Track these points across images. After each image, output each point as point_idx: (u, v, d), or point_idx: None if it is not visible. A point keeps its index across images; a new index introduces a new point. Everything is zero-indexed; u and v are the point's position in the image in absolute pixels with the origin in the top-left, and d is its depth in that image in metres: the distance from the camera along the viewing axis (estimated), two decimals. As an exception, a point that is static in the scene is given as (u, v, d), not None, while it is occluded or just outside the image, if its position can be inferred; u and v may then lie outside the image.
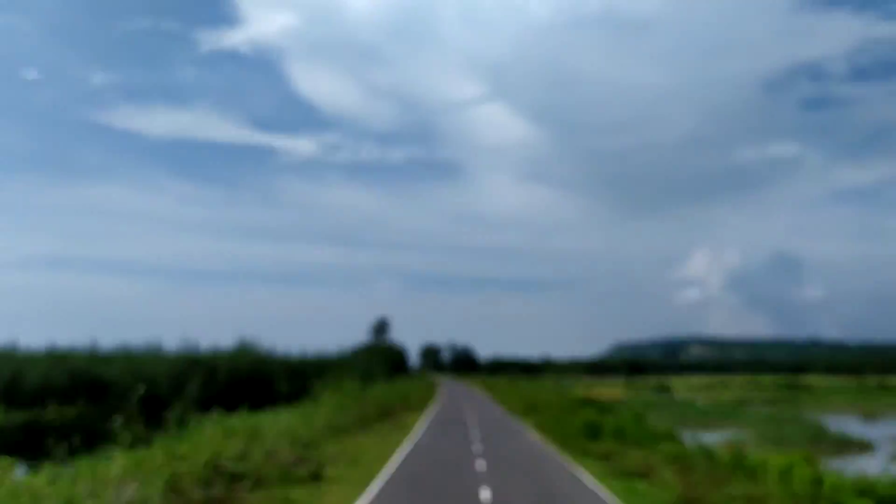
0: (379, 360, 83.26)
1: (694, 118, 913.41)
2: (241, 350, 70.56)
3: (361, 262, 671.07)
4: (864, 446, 40.15)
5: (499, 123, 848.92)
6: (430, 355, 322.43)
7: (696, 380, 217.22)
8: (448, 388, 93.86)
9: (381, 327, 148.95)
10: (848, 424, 54.20)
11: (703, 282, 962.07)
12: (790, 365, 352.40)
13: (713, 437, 30.37)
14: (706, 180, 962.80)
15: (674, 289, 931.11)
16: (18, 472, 12.76)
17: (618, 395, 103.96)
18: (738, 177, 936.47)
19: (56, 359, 59.16)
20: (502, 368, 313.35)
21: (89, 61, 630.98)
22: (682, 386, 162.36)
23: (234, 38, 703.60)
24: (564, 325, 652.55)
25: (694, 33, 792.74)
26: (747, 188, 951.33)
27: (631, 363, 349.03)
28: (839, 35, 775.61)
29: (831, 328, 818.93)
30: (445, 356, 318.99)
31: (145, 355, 65.45)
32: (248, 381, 64.69)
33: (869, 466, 19.49)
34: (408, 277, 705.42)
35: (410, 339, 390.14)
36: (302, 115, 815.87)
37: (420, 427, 34.98)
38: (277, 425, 23.91)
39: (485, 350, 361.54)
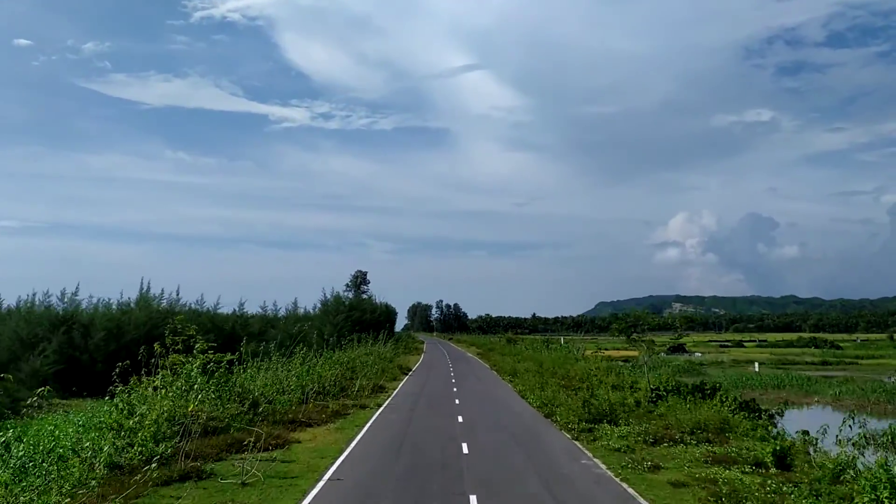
0: (338, 317, 57.88)
1: (673, 85, 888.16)
2: (139, 304, 45.01)
3: (353, 227, 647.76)
4: None
5: (485, 91, 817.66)
6: (420, 314, 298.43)
7: (697, 337, 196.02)
8: (433, 356, 68.36)
9: (359, 281, 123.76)
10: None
11: (682, 243, 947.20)
12: (777, 322, 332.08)
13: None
14: (684, 146, 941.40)
15: (654, 250, 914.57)
16: None
17: (631, 355, 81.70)
18: (716, 142, 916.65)
19: None
20: (492, 327, 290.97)
21: (80, 30, 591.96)
22: (688, 344, 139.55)
23: (226, 7, 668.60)
24: (550, 285, 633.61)
25: (674, 1, 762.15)
26: (724, 153, 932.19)
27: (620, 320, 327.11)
28: (817, 1, 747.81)
29: (807, 286, 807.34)
30: (435, 315, 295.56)
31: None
32: (140, 345, 38.90)
33: None
34: (398, 241, 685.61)
35: (401, 300, 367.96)
36: (293, 84, 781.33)
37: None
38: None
39: (473, 310, 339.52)
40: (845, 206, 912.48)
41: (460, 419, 20.57)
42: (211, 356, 19.18)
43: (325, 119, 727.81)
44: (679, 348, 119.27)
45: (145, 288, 43.84)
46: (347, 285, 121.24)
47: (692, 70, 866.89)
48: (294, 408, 20.50)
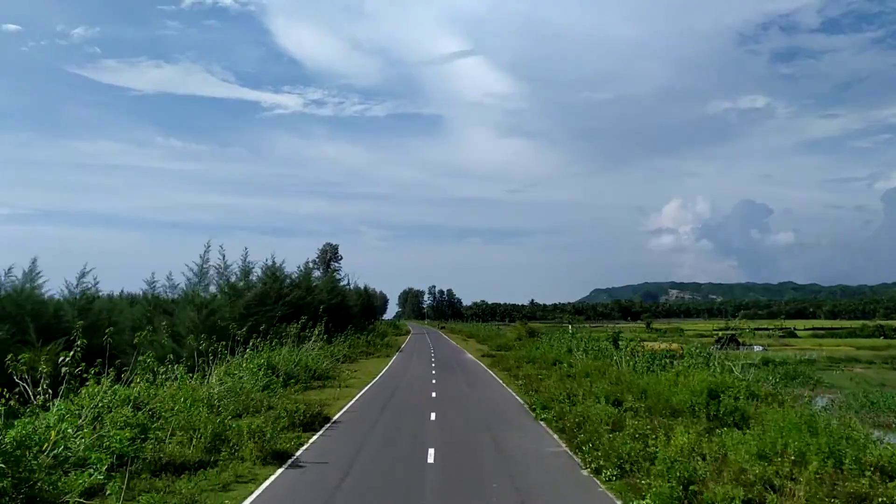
0: (236, 304, 30.02)
1: (668, 72, 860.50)
2: None
3: (347, 213, 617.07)
4: None
5: (479, 78, 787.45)
6: (411, 301, 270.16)
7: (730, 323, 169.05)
8: (408, 365, 39.51)
9: (328, 257, 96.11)
10: None
11: (676, 229, 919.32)
12: (789, 309, 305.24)
13: None
14: (679, 132, 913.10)
15: (648, 236, 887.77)
16: None
17: (672, 347, 54.89)
18: (710, 128, 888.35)
19: None
20: (488, 314, 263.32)
21: (70, 15, 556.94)
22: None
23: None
24: (545, 272, 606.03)
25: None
26: (718, 139, 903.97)
27: (623, 307, 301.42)
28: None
29: (801, 273, 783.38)
30: (427, 302, 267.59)
31: None
32: None
33: None
34: (391, 228, 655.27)
35: (395, 287, 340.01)
36: (286, 71, 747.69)
37: None
38: None
39: (468, 297, 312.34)
40: (839, 193, 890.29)
41: None
42: None
43: (317, 106, 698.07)
44: (731, 340, 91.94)
45: None
46: (315, 262, 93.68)
47: (687, 56, 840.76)
48: None
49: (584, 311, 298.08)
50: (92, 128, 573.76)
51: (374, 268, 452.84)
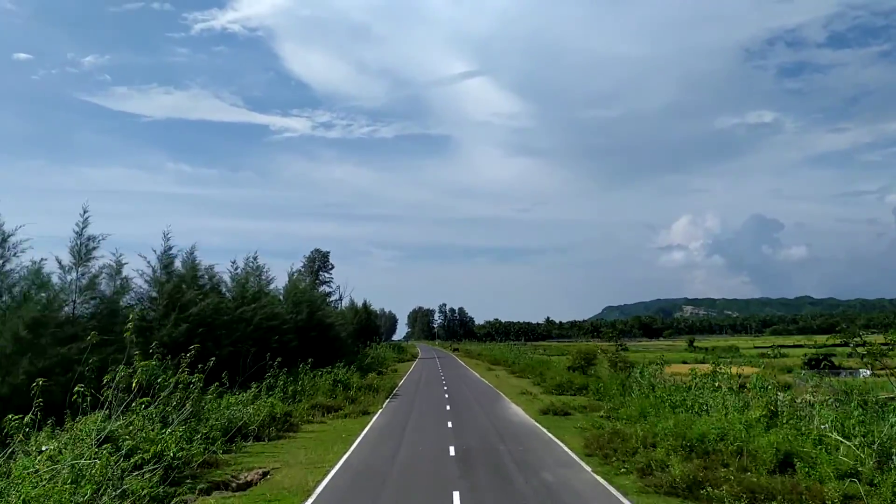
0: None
1: (675, 88, 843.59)
2: None
3: (356, 235, 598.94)
4: None
5: (486, 98, 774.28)
6: (420, 321, 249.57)
7: (775, 340, 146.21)
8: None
9: (316, 265, 76.23)
10: None
11: (688, 246, 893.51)
12: (822, 324, 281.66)
13: None
14: (687, 148, 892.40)
15: (659, 253, 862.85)
16: None
17: (744, 372, 33.57)
18: (718, 144, 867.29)
19: None
20: (502, 334, 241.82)
21: (80, 43, 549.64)
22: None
23: (226, 19, 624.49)
24: (556, 290, 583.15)
25: (674, 3, 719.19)
26: (727, 155, 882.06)
27: (644, 324, 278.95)
28: (817, 2, 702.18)
29: (814, 287, 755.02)
30: (438, 321, 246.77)
31: None
32: None
33: None
34: (401, 249, 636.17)
35: (405, 308, 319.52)
36: (294, 94, 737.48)
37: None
38: None
39: (479, 316, 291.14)
40: (850, 207, 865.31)
41: None
42: None
43: (326, 128, 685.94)
44: (822, 362, 70.49)
45: None
46: (300, 271, 73.63)
47: (693, 73, 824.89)
48: None
49: (600, 329, 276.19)
50: (102, 154, 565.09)
51: (384, 288, 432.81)
